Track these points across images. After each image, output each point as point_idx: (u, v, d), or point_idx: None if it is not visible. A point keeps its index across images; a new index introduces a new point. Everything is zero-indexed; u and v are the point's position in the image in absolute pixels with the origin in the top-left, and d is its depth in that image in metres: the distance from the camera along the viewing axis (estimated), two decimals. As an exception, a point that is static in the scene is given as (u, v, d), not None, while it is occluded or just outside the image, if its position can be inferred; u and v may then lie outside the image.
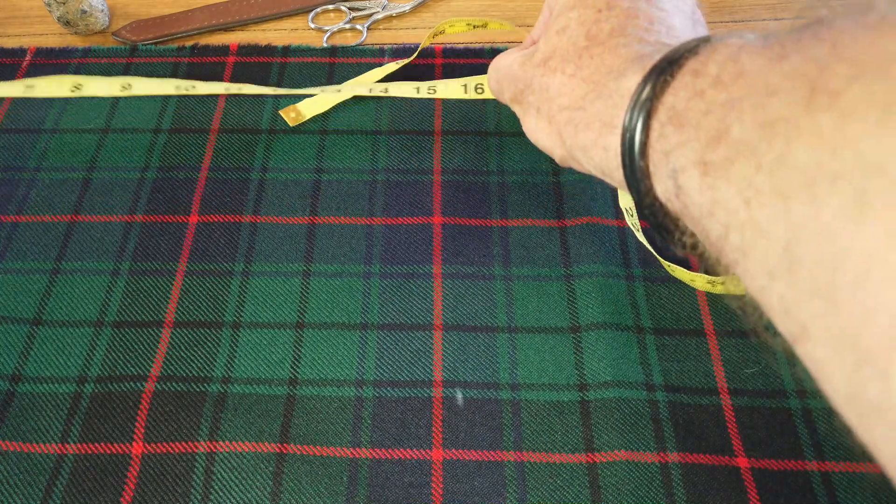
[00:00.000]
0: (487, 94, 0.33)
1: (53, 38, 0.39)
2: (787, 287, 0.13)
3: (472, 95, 0.34)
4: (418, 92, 0.34)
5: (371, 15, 0.39)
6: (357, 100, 0.35)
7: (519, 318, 0.28)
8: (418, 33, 0.39)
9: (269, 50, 0.37)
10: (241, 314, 0.28)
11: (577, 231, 0.30)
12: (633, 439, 0.25)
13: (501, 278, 0.29)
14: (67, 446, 0.25)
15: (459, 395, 0.26)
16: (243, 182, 0.32)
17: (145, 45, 0.38)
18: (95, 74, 0.36)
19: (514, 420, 0.26)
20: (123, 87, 0.34)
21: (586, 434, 0.25)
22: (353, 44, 0.38)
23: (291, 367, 0.27)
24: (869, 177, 0.11)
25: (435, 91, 0.34)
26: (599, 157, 0.21)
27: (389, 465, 0.25)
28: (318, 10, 0.40)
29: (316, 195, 0.32)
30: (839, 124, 0.12)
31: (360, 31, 0.39)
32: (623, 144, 0.19)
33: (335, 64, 0.37)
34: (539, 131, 0.25)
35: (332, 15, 0.40)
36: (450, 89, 0.34)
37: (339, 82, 0.36)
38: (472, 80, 0.34)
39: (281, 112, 0.35)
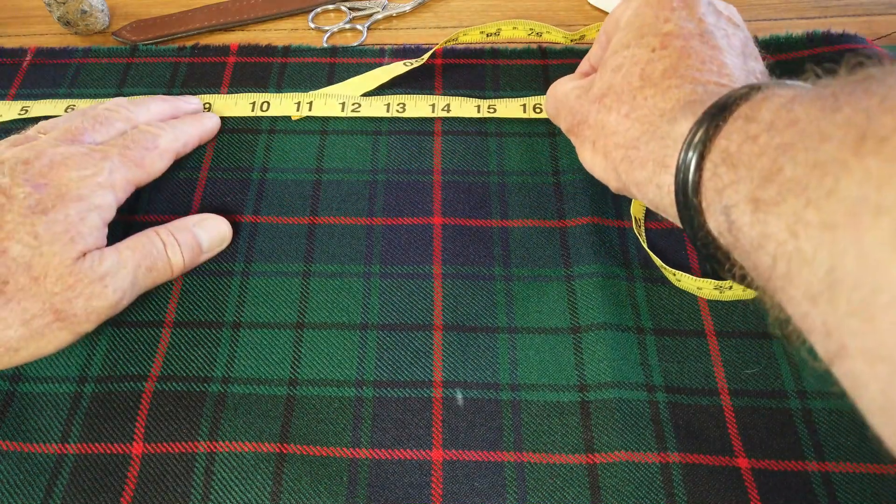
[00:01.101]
0: (545, 115, 0.34)
1: (54, 38, 0.39)
2: (829, 308, 0.15)
3: (530, 115, 0.34)
4: (479, 111, 0.34)
5: (371, 15, 0.39)
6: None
7: (519, 319, 0.28)
8: (419, 33, 0.39)
9: (269, 50, 0.37)
10: (241, 314, 0.28)
11: (577, 231, 0.30)
12: (634, 440, 0.25)
13: (502, 279, 0.29)
14: (68, 446, 0.25)
15: (459, 396, 0.26)
16: (243, 182, 0.32)
17: (145, 45, 0.38)
18: (95, 75, 0.36)
19: (514, 421, 0.26)
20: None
21: (586, 435, 0.25)
22: (354, 44, 0.38)
23: (291, 367, 0.27)
24: None
25: (495, 111, 0.34)
26: (653, 194, 0.22)
27: (389, 466, 0.25)
28: (319, 10, 0.40)
29: (316, 195, 0.32)
30: (885, 166, 0.14)
31: (361, 32, 0.39)
32: (677, 183, 0.20)
33: (335, 64, 0.37)
34: (595, 164, 0.26)
35: (332, 15, 0.40)
36: (510, 109, 0.34)
37: (339, 82, 0.36)
38: (530, 101, 0.34)
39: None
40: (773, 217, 0.17)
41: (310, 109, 0.34)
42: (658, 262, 0.29)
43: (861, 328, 0.14)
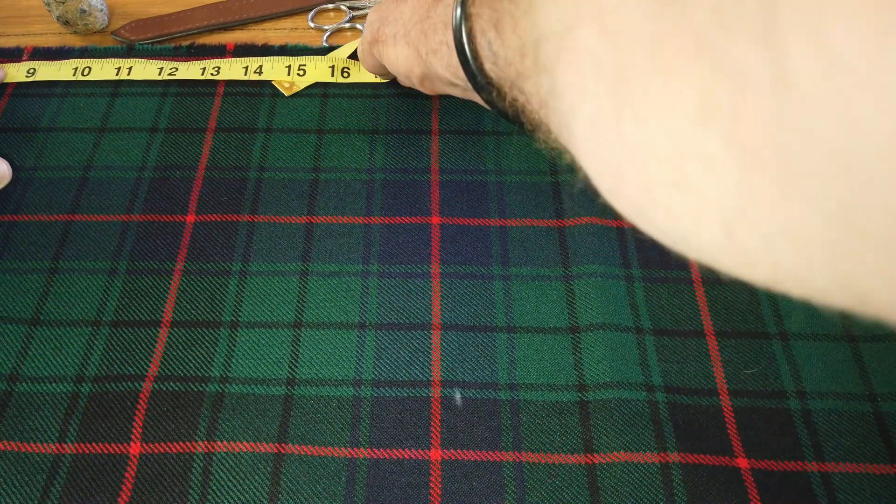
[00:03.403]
0: (337, 78, 0.35)
1: (53, 37, 0.39)
2: (545, 95, 0.16)
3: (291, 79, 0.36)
4: (245, 73, 0.36)
5: (370, 14, 0.39)
6: (354, 99, 0.35)
7: (518, 318, 0.28)
8: (417, 32, 0.39)
9: (265, 49, 0.37)
10: (239, 314, 0.28)
11: (576, 231, 0.30)
12: (633, 440, 0.25)
13: (500, 278, 0.29)
14: (65, 446, 0.25)
15: (458, 395, 0.26)
16: (241, 181, 0.32)
17: (142, 44, 0.38)
18: (94, 74, 0.36)
19: (512, 420, 0.26)
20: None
21: (585, 435, 0.25)
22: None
23: (289, 367, 0.27)
24: None
25: (261, 73, 0.36)
26: (446, 56, 0.24)
27: (388, 465, 0.25)
28: (318, 9, 0.40)
29: (314, 194, 0.32)
30: None
31: (360, 31, 0.39)
32: (455, 33, 0.22)
33: (334, 63, 0.37)
34: (399, 55, 0.28)
35: (331, 14, 0.40)
36: (275, 70, 0.36)
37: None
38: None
39: (275, 82, 0.35)
40: (504, 29, 0.19)
41: (303, 74, 0.35)
42: None
43: (552, 91, 0.15)
